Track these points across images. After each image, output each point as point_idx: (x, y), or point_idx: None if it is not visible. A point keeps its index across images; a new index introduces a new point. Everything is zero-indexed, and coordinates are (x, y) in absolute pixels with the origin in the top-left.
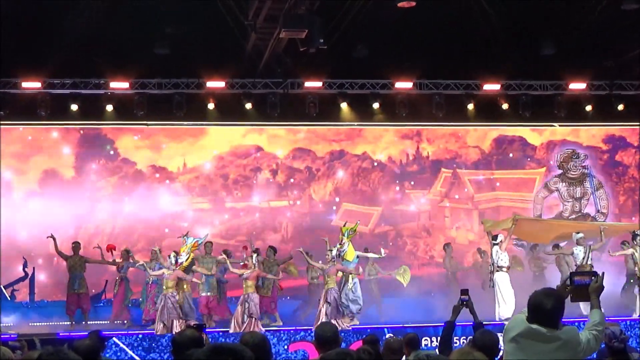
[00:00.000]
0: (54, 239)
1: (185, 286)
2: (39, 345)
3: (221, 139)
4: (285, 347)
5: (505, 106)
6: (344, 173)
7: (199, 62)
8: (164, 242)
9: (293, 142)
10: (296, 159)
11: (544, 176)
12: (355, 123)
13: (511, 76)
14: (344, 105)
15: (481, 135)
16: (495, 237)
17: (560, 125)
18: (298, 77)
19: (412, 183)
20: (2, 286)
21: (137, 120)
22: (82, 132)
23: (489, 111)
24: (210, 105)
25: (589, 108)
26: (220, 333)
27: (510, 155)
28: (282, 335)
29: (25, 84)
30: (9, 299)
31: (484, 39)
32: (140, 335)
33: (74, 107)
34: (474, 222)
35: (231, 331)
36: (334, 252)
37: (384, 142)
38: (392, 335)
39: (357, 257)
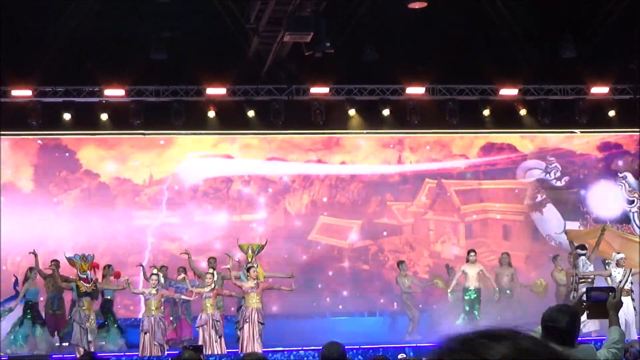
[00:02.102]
0: (35, 256)
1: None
2: None
3: (190, 148)
4: None
5: (523, 112)
6: (322, 184)
7: (198, 68)
8: (129, 258)
9: (267, 151)
10: (270, 169)
11: (535, 187)
12: (365, 131)
13: (529, 80)
14: (352, 112)
15: (467, 144)
16: (582, 247)
17: (581, 132)
18: (303, 83)
19: (394, 194)
20: None
21: (133, 130)
22: (40, 142)
23: (505, 117)
24: (211, 114)
25: (612, 113)
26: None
27: (499, 164)
28: (284, 355)
29: (15, 92)
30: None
31: (501, 41)
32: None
33: (67, 116)
34: (460, 235)
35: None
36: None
37: (364, 151)
38: (404, 355)
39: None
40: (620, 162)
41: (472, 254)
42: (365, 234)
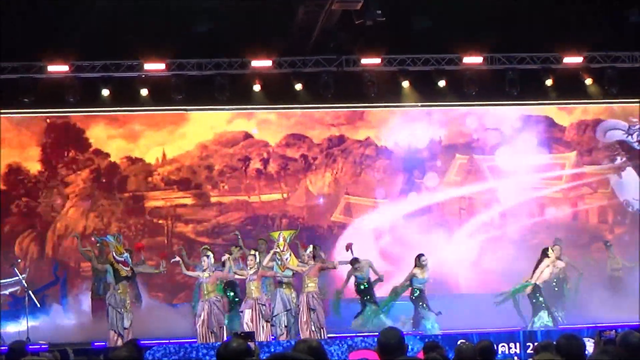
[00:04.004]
0: (78, 239)
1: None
2: (72, 356)
3: (204, 125)
4: (345, 356)
5: (588, 81)
6: (345, 161)
7: (242, 39)
8: (142, 242)
9: (286, 127)
10: (290, 146)
11: (574, 161)
12: (419, 104)
13: (595, 47)
14: (405, 84)
15: (500, 116)
16: None
17: None
18: (353, 53)
19: (423, 171)
20: (31, 292)
21: (175, 106)
22: (48, 121)
23: (569, 87)
24: (256, 87)
25: None
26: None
27: (535, 137)
28: (340, 342)
29: (51, 68)
30: (39, 305)
31: (564, 5)
32: (173, 347)
33: (105, 92)
34: (494, 213)
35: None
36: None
37: (390, 125)
38: (464, 341)
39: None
40: None
41: None
42: (391, 213)
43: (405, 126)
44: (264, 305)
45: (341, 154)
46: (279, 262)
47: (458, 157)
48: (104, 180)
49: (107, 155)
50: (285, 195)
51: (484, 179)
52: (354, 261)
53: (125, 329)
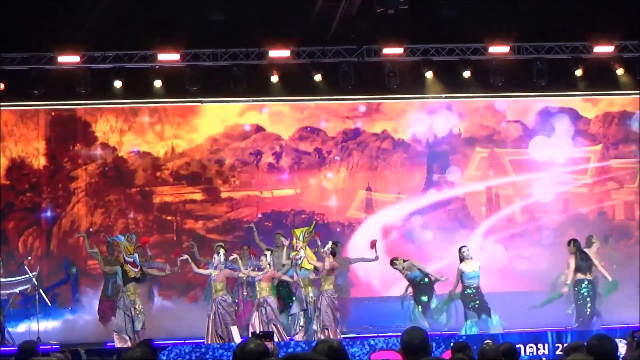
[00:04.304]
0: (86, 239)
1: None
2: (84, 357)
3: (214, 118)
4: (366, 357)
5: (620, 71)
6: (361, 155)
7: (260, 29)
8: (150, 238)
9: (299, 120)
10: (303, 139)
11: (600, 155)
12: (443, 95)
13: (627, 36)
14: (429, 75)
15: (523, 108)
16: None
17: None
18: (375, 43)
19: (441, 165)
20: (41, 290)
21: (189, 97)
22: (53, 114)
23: (600, 78)
24: (274, 78)
25: None
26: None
27: (559, 130)
28: (362, 343)
29: (62, 59)
30: (50, 304)
31: None
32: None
33: (118, 83)
34: (515, 210)
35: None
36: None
37: (407, 118)
38: (489, 342)
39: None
40: None
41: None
42: (407, 209)
43: (424, 118)
44: (269, 306)
45: (357, 148)
46: (292, 263)
47: (478, 151)
48: (110, 175)
49: (114, 149)
50: (298, 191)
51: (506, 173)
52: (394, 262)
53: (135, 331)
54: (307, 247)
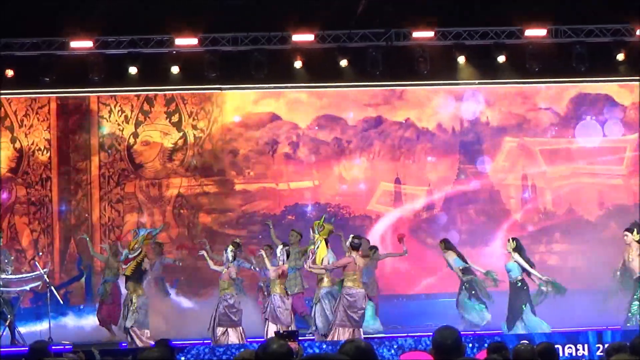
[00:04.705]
0: (88, 240)
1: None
2: (98, 357)
3: (228, 105)
4: (395, 358)
5: None
6: (382, 145)
7: (282, 11)
8: (163, 233)
9: (317, 108)
10: (322, 128)
11: (636, 144)
12: (476, 81)
13: None
14: (461, 60)
15: (555, 95)
16: None
17: None
18: (404, 26)
19: (468, 155)
20: (53, 287)
21: (208, 84)
22: (59, 102)
23: None
24: (297, 64)
25: None
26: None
27: (593, 118)
28: (390, 343)
29: (74, 44)
30: (62, 302)
31: None
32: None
33: (133, 70)
34: (546, 202)
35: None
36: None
37: (432, 105)
38: (525, 342)
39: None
40: None
41: None
42: (430, 203)
43: (449, 106)
44: (272, 304)
45: (378, 137)
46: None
47: (507, 140)
48: (119, 166)
49: (123, 139)
50: (316, 183)
51: (536, 163)
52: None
53: (125, 328)
54: (323, 241)
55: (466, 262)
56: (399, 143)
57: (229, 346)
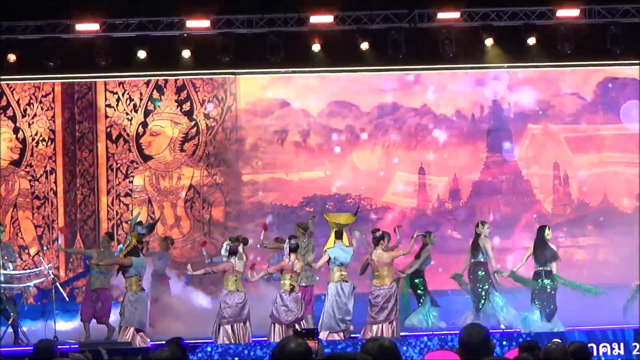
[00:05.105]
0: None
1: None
2: (105, 357)
3: (241, 92)
4: (419, 357)
5: None
6: (398, 133)
7: None
8: (164, 226)
9: (330, 94)
10: (334, 115)
11: None
12: (505, 65)
13: None
14: (489, 42)
15: (581, 79)
16: None
17: None
18: (429, 6)
19: (489, 144)
20: (58, 283)
21: (221, 69)
22: (63, 89)
23: None
24: (316, 47)
25: None
26: None
27: (622, 103)
28: (416, 341)
29: (79, 27)
30: (68, 299)
31: None
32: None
33: (142, 54)
34: (577, 192)
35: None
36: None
37: (451, 90)
38: (558, 340)
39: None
40: None
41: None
42: (452, 193)
43: (468, 91)
44: (275, 303)
45: (393, 124)
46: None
47: (530, 127)
48: (127, 158)
49: (124, 127)
50: (328, 173)
51: (561, 152)
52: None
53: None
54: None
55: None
56: (415, 131)
57: (247, 345)
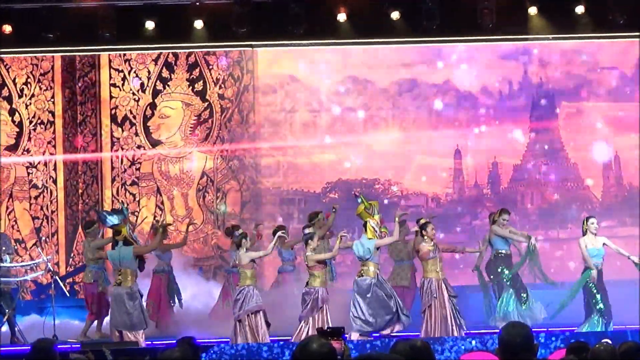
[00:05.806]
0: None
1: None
2: (109, 358)
3: (252, 68)
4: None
5: None
6: (418, 111)
7: None
8: (171, 211)
9: (343, 68)
10: (348, 93)
11: None
12: (550, 36)
13: None
14: (532, 11)
15: (621, 51)
16: None
17: None
18: None
19: (517, 123)
20: (58, 277)
21: (237, 41)
22: (64, 65)
23: None
24: (341, 17)
25: None
26: None
27: None
28: (450, 342)
29: None
30: (68, 295)
31: None
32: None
33: (150, 24)
34: (611, 180)
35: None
36: None
37: (476, 64)
38: (607, 341)
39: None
40: None
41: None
42: (478, 178)
43: (496, 65)
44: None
45: (412, 103)
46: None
47: (564, 105)
48: (134, 142)
49: (139, 110)
50: (340, 156)
51: (597, 134)
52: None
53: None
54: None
55: None
56: (436, 109)
57: (261, 345)
